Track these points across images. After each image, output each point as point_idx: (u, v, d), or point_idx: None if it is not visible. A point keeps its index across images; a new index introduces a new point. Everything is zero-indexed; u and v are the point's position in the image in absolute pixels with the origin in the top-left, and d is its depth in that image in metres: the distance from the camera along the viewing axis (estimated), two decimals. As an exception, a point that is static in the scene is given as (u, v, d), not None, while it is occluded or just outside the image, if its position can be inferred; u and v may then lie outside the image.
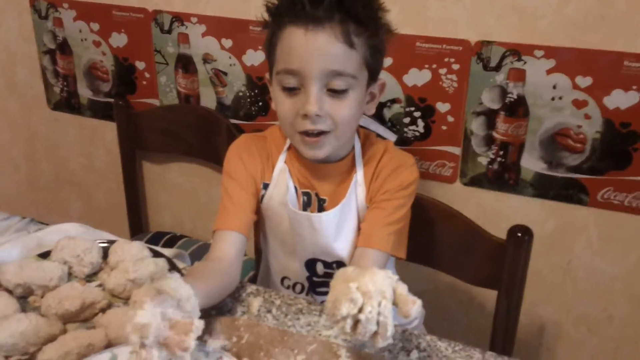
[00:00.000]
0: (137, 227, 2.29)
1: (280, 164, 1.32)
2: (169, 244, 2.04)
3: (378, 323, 0.91)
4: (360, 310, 0.90)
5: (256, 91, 1.94)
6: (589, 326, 1.77)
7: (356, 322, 0.92)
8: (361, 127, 1.35)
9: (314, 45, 1.14)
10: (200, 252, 1.97)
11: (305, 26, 1.13)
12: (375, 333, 0.92)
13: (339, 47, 1.14)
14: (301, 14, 1.13)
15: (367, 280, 0.91)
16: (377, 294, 0.91)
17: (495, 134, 1.67)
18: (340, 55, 1.15)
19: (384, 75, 1.30)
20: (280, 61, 1.19)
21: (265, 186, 1.32)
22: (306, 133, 1.19)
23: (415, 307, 0.92)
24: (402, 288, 0.94)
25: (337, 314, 0.91)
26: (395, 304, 0.93)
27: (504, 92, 1.61)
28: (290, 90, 1.19)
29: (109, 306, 1.16)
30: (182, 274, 1.21)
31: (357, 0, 1.15)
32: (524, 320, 1.46)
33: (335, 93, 1.17)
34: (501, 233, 1.37)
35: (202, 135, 2.03)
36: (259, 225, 1.39)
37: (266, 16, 1.22)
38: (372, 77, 1.24)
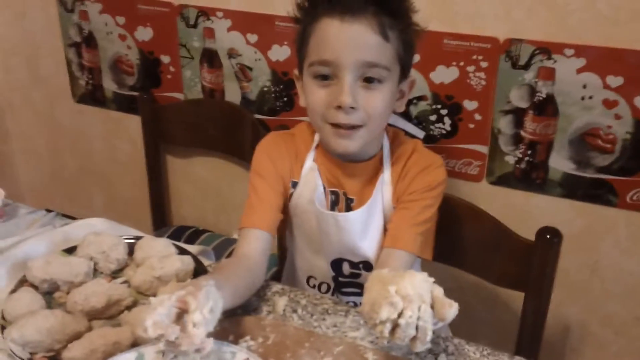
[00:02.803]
0: (160, 220, 2.30)
1: (309, 162, 1.31)
2: (192, 238, 2.05)
3: (417, 327, 0.90)
4: (400, 314, 0.89)
5: (281, 86, 1.93)
6: (616, 327, 1.75)
7: (395, 326, 0.91)
8: (390, 125, 1.34)
9: (350, 36, 1.14)
10: (223, 246, 1.97)
11: (341, 17, 1.14)
12: (414, 337, 0.91)
13: (374, 39, 1.14)
14: (337, 5, 1.14)
15: (407, 283, 0.90)
16: (417, 298, 0.90)
17: (523, 133, 1.65)
18: (375, 46, 1.15)
19: (411, 73, 1.29)
20: (314, 52, 1.18)
21: (294, 184, 1.31)
22: (338, 125, 1.18)
23: (451, 310, 0.92)
24: (438, 291, 0.93)
25: (376, 318, 0.90)
26: (431, 306, 0.92)
27: (532, 90, 1.59)
28: (324, 80, 1.18)
29: (135, 303, 1.16)
30: (207, 271, 1.22)
31: None
32: (550, 320, 1.45)
33: (369, 85, 1.17)
34: (528, 233, 1.35)
35: (227, 130, 2.02)
36: (286, 223, 1.38)
37: (296, 12, 1.22)
38: (404, 73, 1.24)
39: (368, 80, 1.17)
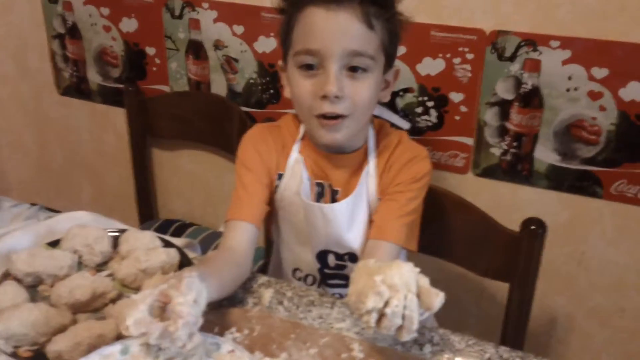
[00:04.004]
0: (147, 213, 2.29)
1: (295, 154, 1.31)
2: (178, 231, 2.04)
3: (403, 317, 0.90)
4: (387, 304, 0.90)
5: (267, 78, 1.92)
6: (601, 319, 1.76)
7: (381, 316, 0.91)
8: (375, 116, 1.34)
9: (335, 25, 1.14)
10: (209, 240, 1.97)
11: (326, 6, 1.13)
12: (400, 327, 0.91)
13: (359, 27, 1.14)
14: None
15: (393, 273, 0.91)
16: (403, 287, 0.90)
17: (509, 125, 1.65)
18: (361, 35, 1.15)
19: (397, 64, 1.29)
20: (299, 42, 1.18)
21: (280, 176, 1.31)
22: (324, 116, 1.18)
23: (438, 299, 0.92)
24: (424, 281, 0.94)
25: (363, 308, 0.90)
26: (417, 296, 0.92)
27: (518, 82, 1.60)
28: (309, 70, 1.18)
29: (120, 296, 1.15)
30: (192, 264, 1.22)
31: None
32: (536, 312, 1.46)
33: (354, 74, 1.17)
34: (514, 224, 1.35)
35: (213, 122, 2.02)
36: (272, 215, 1.38)
37: (280, 1, 1.22)
38: (389, 62, 1.24)
39: (353, 69, 1.17)
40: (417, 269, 0.95)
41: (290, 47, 1.21)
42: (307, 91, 1.19)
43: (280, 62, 1.29)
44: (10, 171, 2.64)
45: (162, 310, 0.89)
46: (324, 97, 1.16)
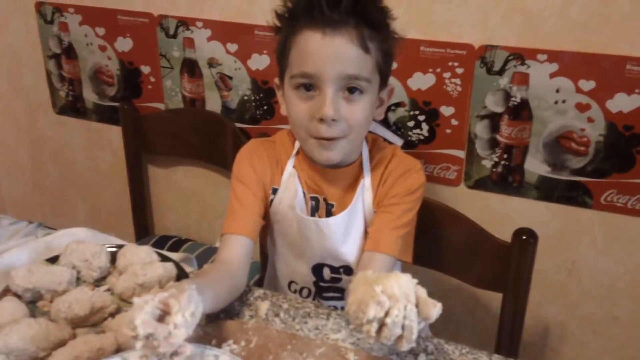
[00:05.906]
0: (143, 229, 2.30)
1: (289, 168, 1.32)
2: (174, 247, 2.05)
3: (403, 327, 0.92)
4: (387, 314, 0.91)
5: (261, 95, 1.95)
6: (594, 327, 1.78)
7: (381, 326, 0.92)
8: (369, 132, 1.36)
9: (331, 49, 1.15)
10: (205, 255, 1.98)
11: (323, 30, 1.15)
12: (400, 337, 0.92)
13: (355, 52, 1.16)
14: (318, 18, 1.15)
15: (392, 283, 0.92)
16: (402, 297, 0.91)
17: (499, 137, 1.67)
18: (356, 59, 1.16)
19: (390, 80, 1.31)
20: (296, 65, 1.19)
21: (274, 191, 1.33)
22: (320, 137, 1.20)
23: (436, 309, 0.93)
24: (422, 291, 0.95)
25: (363, 317, 0.92)
26: (415, 306, 0.93)
27: (507, 95, 1.62)
28: (305, 93, 1.20)
29: (118, 310, 1.17)
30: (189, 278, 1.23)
31: (371, 5, 1.18)
32: (529, 321, 1.47)
33: (350, 96, 1.19)
34: (506, 235, 1.37)
35: (208, 139, 2.04)
36: (267, 229, 1.39)
37: (276, 22, 1.23)
38: (383, 82, 1.26)
39: (349, 91, 1.18)
40: (415, 280, 0.96)
41: (287, 68, 1.23)
42: (303, 113, 1.21)
43: (276, 80, 1.31)
44: (6, 189, 2.66)
45: (160, 319, 0.90)
46: (321, 119, 1.18)
